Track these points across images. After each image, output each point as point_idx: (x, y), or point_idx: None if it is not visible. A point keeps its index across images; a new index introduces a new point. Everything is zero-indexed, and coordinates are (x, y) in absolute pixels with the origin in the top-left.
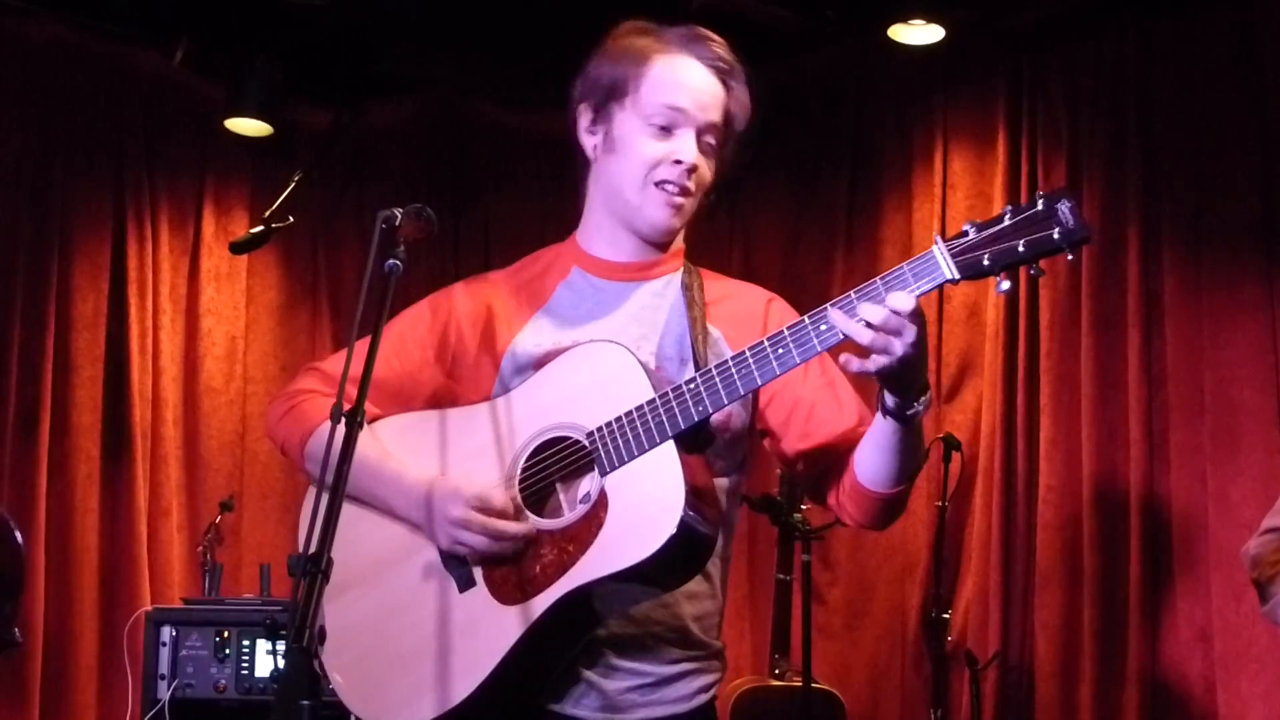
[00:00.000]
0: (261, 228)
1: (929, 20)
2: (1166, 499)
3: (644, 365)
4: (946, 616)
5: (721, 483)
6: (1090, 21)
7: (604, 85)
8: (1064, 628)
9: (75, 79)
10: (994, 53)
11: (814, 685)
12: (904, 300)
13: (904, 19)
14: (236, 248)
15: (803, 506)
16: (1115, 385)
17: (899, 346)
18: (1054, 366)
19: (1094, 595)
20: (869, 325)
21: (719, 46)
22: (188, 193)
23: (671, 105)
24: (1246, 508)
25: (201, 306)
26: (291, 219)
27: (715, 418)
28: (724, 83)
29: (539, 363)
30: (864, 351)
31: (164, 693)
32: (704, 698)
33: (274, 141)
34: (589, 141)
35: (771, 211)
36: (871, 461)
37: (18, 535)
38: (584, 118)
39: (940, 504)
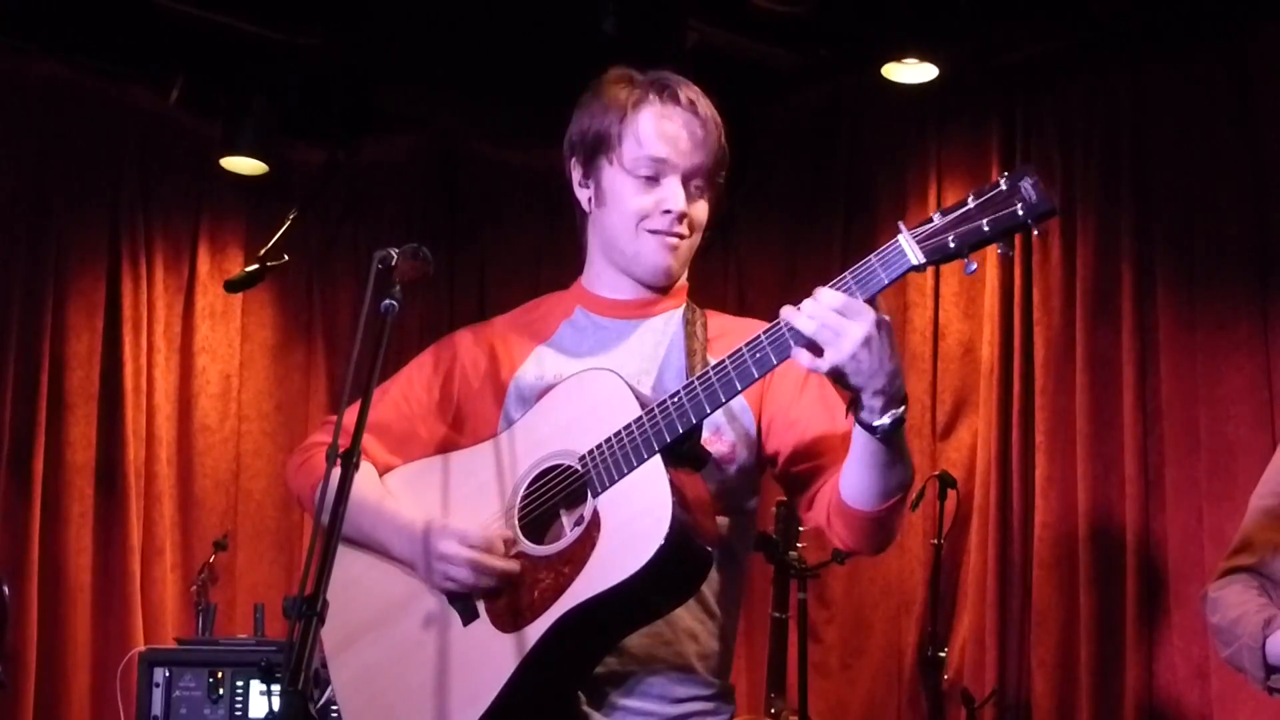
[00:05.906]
0: (256, 266)
1: (922, 59)
2: (1162, 536)
3: (633, 387)
4: (943, 654)
5: (724, 521)
6: (1083, 60)
7: (589, 141)
8: (1060, 665)
9: (71, 117)
10: (988, 91)
11: None
12: (831, 297)
13: (898, 57)
14: (231, 286)
15: (799, 545)
16: (1110, 422)
17: (846, 344)
18: (1049, 403)
19: (1090, 632)
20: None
21: (691, 89)
22: (183, 231)
23: (653, 156)
24: None
25: (196, 344)
26: (286, 257)
27: (718, 450)
28: (701, 124)
29: (540, 395)
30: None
31: None
32: None
33: (269, 180)
34: (583, 195)
35: (767, 249)
36: (849, 477)
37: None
38: (575, 173)
39: (936, 541)
